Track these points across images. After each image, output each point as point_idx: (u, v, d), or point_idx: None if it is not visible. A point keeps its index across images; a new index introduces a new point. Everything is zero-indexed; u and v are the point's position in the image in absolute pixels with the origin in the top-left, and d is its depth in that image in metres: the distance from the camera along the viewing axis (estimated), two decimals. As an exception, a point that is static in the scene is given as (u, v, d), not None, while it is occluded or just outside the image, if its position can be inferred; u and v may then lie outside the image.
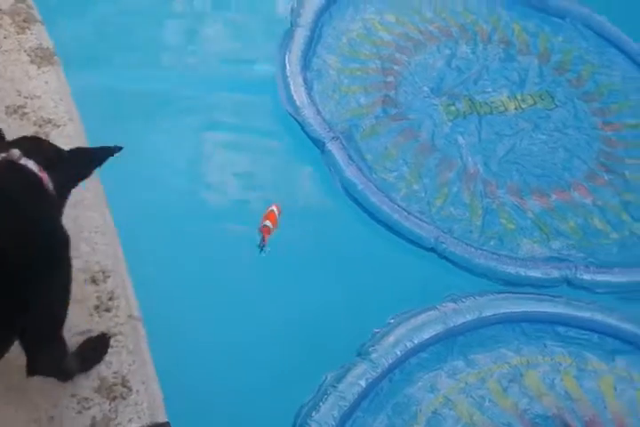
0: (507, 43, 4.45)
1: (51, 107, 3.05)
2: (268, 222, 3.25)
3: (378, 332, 3.08)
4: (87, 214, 2.65)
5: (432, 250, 3.45)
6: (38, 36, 3.36)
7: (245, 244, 3.29)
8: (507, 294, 3.32)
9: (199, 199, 3.47)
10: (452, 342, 3.14)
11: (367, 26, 4.29)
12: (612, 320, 3.30)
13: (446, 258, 3.45)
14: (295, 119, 3.71)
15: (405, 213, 3.49)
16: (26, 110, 3.00)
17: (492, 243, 3.55)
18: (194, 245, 3.21)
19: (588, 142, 4.09)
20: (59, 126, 2.97)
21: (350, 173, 3.56)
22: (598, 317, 3.29)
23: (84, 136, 3.02)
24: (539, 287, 3.45)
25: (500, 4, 4.63)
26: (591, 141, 4.10)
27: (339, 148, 3.63)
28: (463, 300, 3.22)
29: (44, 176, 1.86)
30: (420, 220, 3.50)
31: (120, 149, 2.06)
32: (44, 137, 2.76)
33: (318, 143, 3.66)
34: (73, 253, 2.36)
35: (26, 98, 3.06)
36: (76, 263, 2.38)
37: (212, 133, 3.73)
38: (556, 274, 3.46)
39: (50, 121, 2.97)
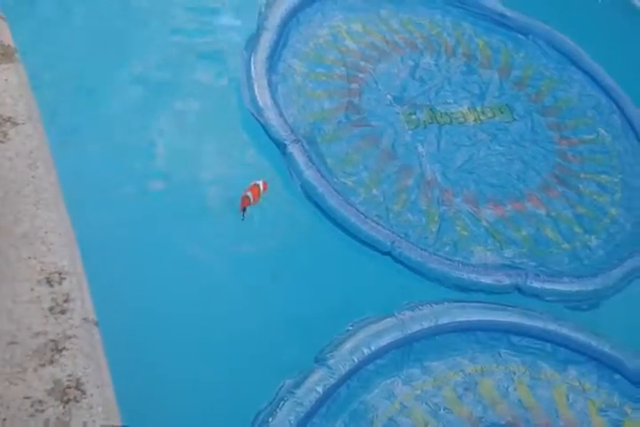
0: (469, 56, 4.52)
1: (10, 105, 2.97)
2: (249, 193, 3.32)
3: (336, 338, 3.09)
4: (45, 215, 2.61)
5: (388, 254, 3.50)
6: (-1, 32, 3.27)
7: (201, 246, 3.27)
8: (462, 303, 3.38)
9: (157, 199, 3.40)
10: (409, 349, 3.17)
11: (334, 33, 4.30)
12: (564, 330, 3.38)
13: (401, 262, 3.49)
14: (257, 120, 3.70)
15: (363, 217, 3.51)
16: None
17: (446, 249, 3.62)
18: (152, 248, 3.18)
19: (544, 155, 4.19)
20: (17, 124, 2.90)
21: (310, 175, 3.57)
22: (551, 327, 3.37)
23: (44, 134, 2.97)
24: (490, 294, 3.52)
25: (464, 19, 4.70)
26: (547, 155, 4.20)
27: (300, 150, 3.63)
28: (420, 307, 3.26)
29: None
30: (378, 224, 3.52)
31: None
32: (2, 136, 2.72)
33: (280, 145, 3.65)
34: (29, 253, 2.30)
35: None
36: (32, 264, 2.36)
37: (172, 129, 3.67)
38: (507, 281, 3.53)
39: (9, 119, 2.91)
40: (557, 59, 4.69)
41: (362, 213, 3.54)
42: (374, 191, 3.73)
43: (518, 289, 3.57)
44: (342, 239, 3.51)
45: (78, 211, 2.81)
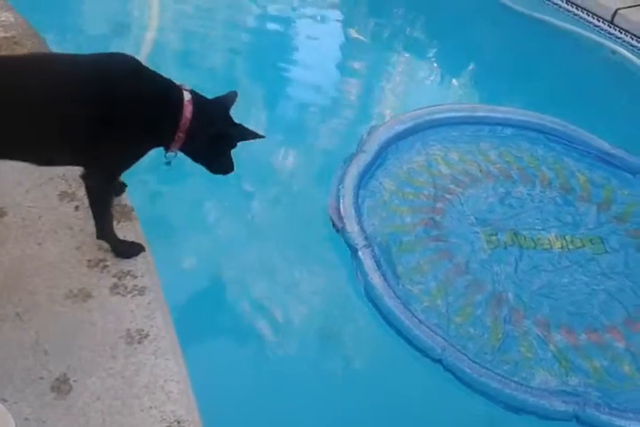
0: (567, 189, 4.57)
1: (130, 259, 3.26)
2: None
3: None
4: (163, 363, 2.74)
5: (439, 361, 3.48)
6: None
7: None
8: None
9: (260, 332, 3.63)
10: None
11: (429, 160, 4.64)
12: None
13: (451, 371, 3.46)
14: (335, 227, 4.04)
15: (417, 321, 3.57)
16: (107, 263, 3.22)
17: (505, 367, 3.51)
18: (265, 396, 3.22)
19: (633, 290, 3.99)
20: (136, 277, 3.15)
21: (374, 278, 3.74)
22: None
23: (160, 287, 3.21)
24: (543, 418, 3.34)
25: (567, 155, 4.82)
26: (638, 290, 3.99)
27: (369, 255, 3.85)
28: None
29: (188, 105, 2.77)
30: (433, 331, 3.56)
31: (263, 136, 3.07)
32: (122, 289, 3.07)
33: (352, 249, 3.92)
34: (150, 402, 2.54)
35: (106, 251, 3.24)
36: (153, 413, 2.54)
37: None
38: (562, 407, 3.32)
39: (128, 273, 3.17)
40: (665, 200, 4.57)
41: (417, 318, 3.61)
42: (438, 301, 3.79)
43: (576, 418, 3.32)
44: (395, 340, 3.58)
45: (193, 356, 2.96)
